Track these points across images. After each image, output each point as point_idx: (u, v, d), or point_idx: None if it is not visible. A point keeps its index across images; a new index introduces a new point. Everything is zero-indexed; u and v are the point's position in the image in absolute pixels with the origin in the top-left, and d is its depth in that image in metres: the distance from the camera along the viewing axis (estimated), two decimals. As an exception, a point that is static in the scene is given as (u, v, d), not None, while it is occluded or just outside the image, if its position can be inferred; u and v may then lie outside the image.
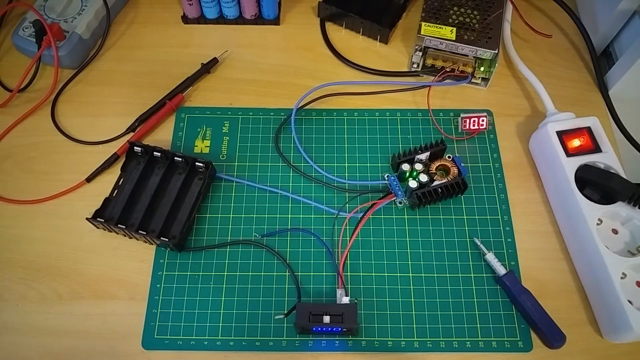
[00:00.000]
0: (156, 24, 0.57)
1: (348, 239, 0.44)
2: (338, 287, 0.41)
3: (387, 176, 0.46)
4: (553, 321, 0.39)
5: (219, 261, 0.43)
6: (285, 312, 0.40)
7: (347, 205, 0.46)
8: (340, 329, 0.38)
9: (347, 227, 0.45)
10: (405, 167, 0.45)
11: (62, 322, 0.41)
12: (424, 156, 0.45)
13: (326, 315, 0.37)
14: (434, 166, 0.45)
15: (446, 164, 0.45)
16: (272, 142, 0.49)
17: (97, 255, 0.44)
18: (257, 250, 0.44)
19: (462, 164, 0.45)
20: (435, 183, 0.44)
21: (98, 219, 0.43)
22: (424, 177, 0.44)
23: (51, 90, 0.52)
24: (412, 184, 0.44)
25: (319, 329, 0.38)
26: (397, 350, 0.40)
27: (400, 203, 0.45)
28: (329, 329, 0.38)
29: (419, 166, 0.45)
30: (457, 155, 0.46)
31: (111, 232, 0.44)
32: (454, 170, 0.45)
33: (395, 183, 0.45)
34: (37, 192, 0.46)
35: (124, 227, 0.42)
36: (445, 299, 0.42)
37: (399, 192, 0.45)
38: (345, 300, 0.39)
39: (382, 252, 0.44)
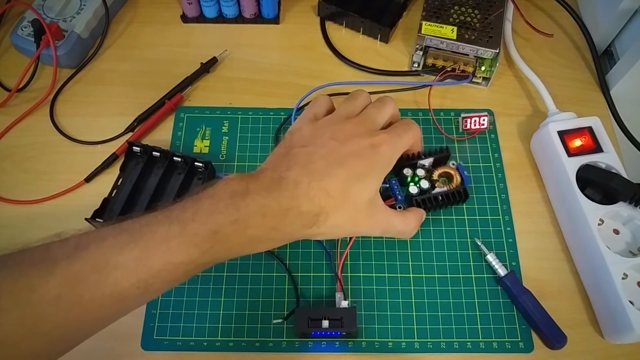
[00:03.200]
0: (155, 23, 0.57)
1: (347, 239, 0.43)
2: (337, 291, 0.41)
3: (388, 180, 0.46)
4: (554, 322, 0.39)
5: (219, 262, 0.43)
6: (284, 316, 0.40)
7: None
8: (339, 333, 0.38)
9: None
10: (407, 172, 0.44)
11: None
12: (427, 162, 0.45)
13: (325, 319, 0.37)
14: (436, 173, 0.45)
15: (449, 171, 0.44)
16: (272, 142, 0.49)
17: (96, 255, 0.43)
18: (256, 251, 0.44)
19: (466, 173, 0.44)
20: (436, 190, 0.44)
21: (97, 219, 0.43)
22: (425, 184, 0.43)
23: (50, 90, 0.52)
24: (413, 189, 0.43)
25: (319, 333, 0.38)
26: (397, 351, 0.40)
27: (399, 207, 0.45)
28: (329, 333, 0.38)
29: (421, 172, 0.44)
30: (461, 163, 0.45)
31: (110, 232, 0.44)
32: (457, 178, 0.44)
33: (396, 187, 0.45)
34: (35, 192, 0.46)
35: (123, 227, 0.42)
36: (446, 299, 0.42)
37: (399, 197, 0.45)
38: (344, 304, 0.39)
39: (383, 252, 0.43)
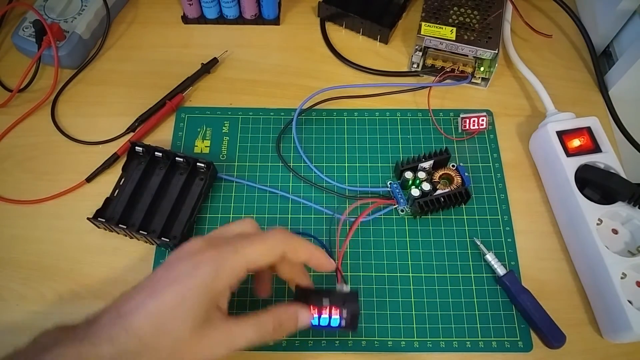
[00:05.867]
0: (156, 24, 0.57)
1: (348, 229, 0.43)
2: (337, 282, 0.41)
3: (390, 183, 0.46)
4: (553, 321, 0.39)
5: (219, 261, 0.43)
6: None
7: (347, 208, 0.45)
8: (340, 322, 0.35)
9: (348, 227, 0.45)
10: (408, 175, 0.45)
11: (62, 322, 0.41)
12: (427, 164, 0.45)
13: (325, 298, 0.35)
14: (437, 175, 0.45)
15: (450, 172, 0.45)
16: (272, 142, 0.49)
17: (97, 255, 0.44)
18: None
19: (466, 174, 0.45)
20: (438, 192, 0.44)
21: (99, 218, 0.43)
22: (426, 186, 0.44)
23: (51, 90, 0.52)
24: (415, 192, 0.44)
25: (318, 324, 0.36)
26: (397, 350, 0.40)
27: (402, 211, 0.45)
28: (328, 321, 0.35)
29: (421, 174, 0.45)
30: (461, 164, 0.46)
31: (112, 232, 0.44)
32: (458, 180, 0.44)
33: (397, 190, 0.45)
34: (37, 192, 0.46)
35: (125, 227, 0.42)
36: (445, 299, 0.42)
37: (401, 200, 0.45)
38: (346, 288, 0.37)
39: (382, 252, 0.44)
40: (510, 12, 0.55)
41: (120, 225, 0.42)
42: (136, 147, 0.46)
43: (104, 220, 0.43)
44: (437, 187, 0.44)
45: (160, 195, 0.45)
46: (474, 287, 0.42)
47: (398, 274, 0.43)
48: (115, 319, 0.29)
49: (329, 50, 0.55)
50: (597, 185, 0.42)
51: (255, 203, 0.46)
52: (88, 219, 0.43)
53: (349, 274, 0.43)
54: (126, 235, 0.44)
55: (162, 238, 0.42)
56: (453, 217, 0.45)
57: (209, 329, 0.29)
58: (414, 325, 0.41)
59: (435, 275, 0.43)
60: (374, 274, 0.43)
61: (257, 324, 0.31)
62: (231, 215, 0.45)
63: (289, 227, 0.45)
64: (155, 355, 0.28)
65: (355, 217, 0.44)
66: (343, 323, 0.35)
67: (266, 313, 0.32)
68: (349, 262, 0.43)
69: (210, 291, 0.29)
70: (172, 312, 0.28)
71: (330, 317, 0.35)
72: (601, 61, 0.54)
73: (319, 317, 0.35)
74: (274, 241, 0.32)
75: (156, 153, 0.46)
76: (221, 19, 0.57)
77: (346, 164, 0.48)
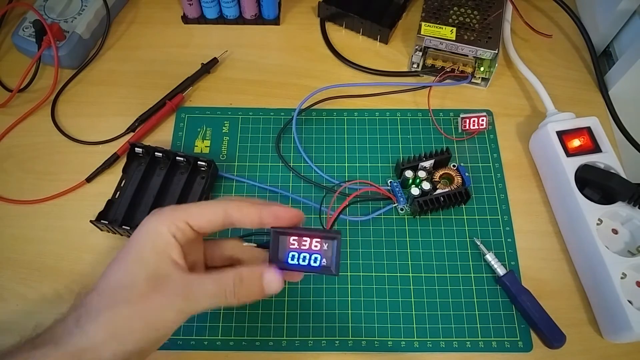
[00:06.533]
0: (156, 24, 0.57)
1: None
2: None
3: (390, 182, 0.46)
4: (553, 321, 0.40)
5: (219, 261, 0.43)
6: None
7: (347, 208, 0.45)
8: (320, 262, 0.31)
9: (348, 227, 0.45)
10: (409, 174, 0.45)
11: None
12: (428, 164, 0.45)
13: (307, 230, 0.32)
14: (437, 174, 0.45)
15: (450, 172, 0.45)
16: (272, 142, 0.49)
17: (97, 255, 0.44)
18: (257, 250, 0.44)
19: (467, 174, 0.45)
20: (438, 191, 0.44)
21: (102, 220, 0.43)
22: (426, 185, 0.44)
23: (51, 90, 0.52)
24: (415, 191, 0.44)
25: (297, 263, 0.32)
26: (397, 350, 0.40)
27: (401, 210, 0.45)
28: (308, 260, 0.31)
29: (422, 174, 0.45)
30: (461, 164, 0.46)
31: (115, 233, 0.44)
32: (458, 180, 0.44)
33: (397, 189, 0.45)
34: (37, 192, 0.46)
35: (128, 228, 0.42)
36: (445, 299, 0.42)
37: (401, 199, 0.45)
38: None
39: (382, 252, 0.44)
40: (510, 12, 0.55)
41: (123, 227, 0.42)
42: (136, 148, 0.46)
43: (106, 222, 0.43)
44: (437, 186, 0.44)
45: (162, 195, 0.45)
46: (474, 287, 0.42)
47: (398, 274, 0.43)
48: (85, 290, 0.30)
49: (329, 50, 0.55)
50: (597, 185, 0.42)
51: (255, 203, 0.46)
52: (91, 221, 0.43)
53: (349, 273, 0.43)
54: (130, 237, 0.44)
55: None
56: (453, 217, 0.45)
57: (164, 279, 0.29)
58: (414, 325, 0.41)
59: (435, 275, 0.43)
60: (374, 274, 0.43)
61: (217, 278, 0.30)
62: (231, 215, 0.45)
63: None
64: (113, 306, 0.29)
65: (355, 217, 0.44)
66: (324, 262, 0.31)
67: (229, 269, 0.31)
68: (349, 262, 0.43)
69: (153, 238, 0.30)
70: (122, 263, 0.30)
71: (310, 252, 0.31)
72: (601, 61, 0.54)
73: (299, 253, 0.32)
74: (216, 201, 0.32)
75: (156, 153, 0.46)
76: (221, 19, 0.57)
77: (346, 164, 0.48)
